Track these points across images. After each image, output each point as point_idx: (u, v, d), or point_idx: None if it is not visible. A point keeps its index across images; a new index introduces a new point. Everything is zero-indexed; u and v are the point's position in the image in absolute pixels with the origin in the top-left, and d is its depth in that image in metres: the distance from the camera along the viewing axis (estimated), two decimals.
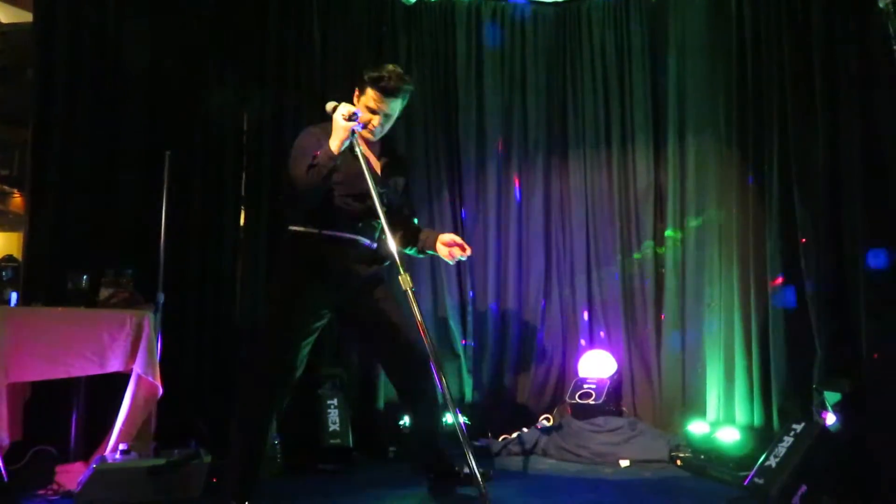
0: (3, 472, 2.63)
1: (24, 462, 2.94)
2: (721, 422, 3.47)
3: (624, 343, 4.05)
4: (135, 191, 3.47)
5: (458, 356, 4.06)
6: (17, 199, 4.04)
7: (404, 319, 2.70)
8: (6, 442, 2.67)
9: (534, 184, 4.24)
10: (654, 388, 3.96)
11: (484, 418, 3.91)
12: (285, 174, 2.64)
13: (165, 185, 3.22)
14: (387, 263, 2.75)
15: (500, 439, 3.77)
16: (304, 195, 2.56)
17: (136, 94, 3.53)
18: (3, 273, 2.98)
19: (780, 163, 3.29)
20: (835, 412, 2.82)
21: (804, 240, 3.14)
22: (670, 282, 3.94)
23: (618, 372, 3.99)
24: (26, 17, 3.67)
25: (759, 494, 2.66)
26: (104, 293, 3.02)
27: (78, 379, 3.00)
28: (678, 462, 3.40)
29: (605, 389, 3.82)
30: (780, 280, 3.28)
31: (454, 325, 4.07)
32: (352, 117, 2.49)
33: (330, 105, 2.56)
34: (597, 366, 3.99)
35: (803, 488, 2.57)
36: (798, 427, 2.75)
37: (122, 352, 2.85)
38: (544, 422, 3.88)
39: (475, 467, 2.02)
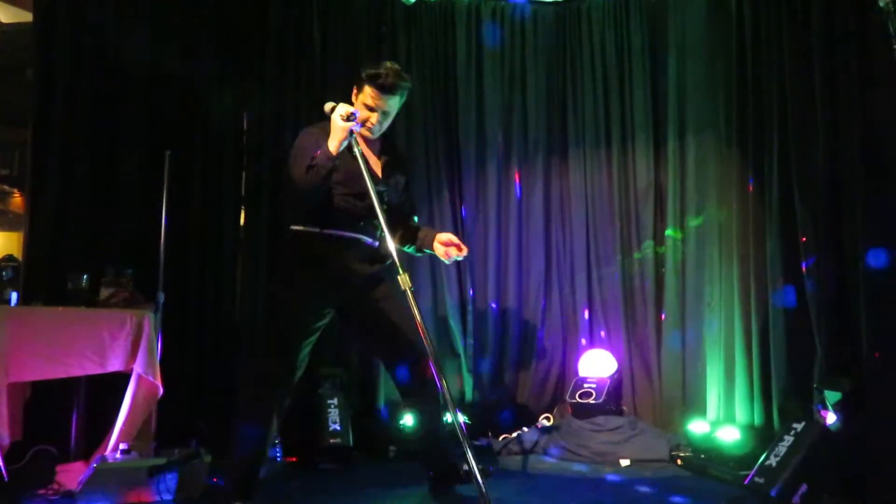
0: (3, 471, 2.63)
1: (25, 461, 2.94)
2: (721, 421, 3.47)
3: (624, 342, 4.05)
4: (135, 191, 3.47)
5: (458, 355, 4.06)
6: (17, 199, 4.05)
7: (405, 318, 2.69)
8: (6, 441, 2.67)
9: (534, 183, 4.24)
10: (654, 387, 3.96)
11: (484, 418, 3.91)
12: (285, 174, 2.64)
13: (165, 185, 3.22)
14: (388, 262, 2.74)
15: (501, 439, 3.77)
16: (304, 195, 2.56)
17: (136, 94, 3.53)
18: (3, 273, 2.98)
19: (780, 163, 3.30)
20: (835, 411, 2.82)
21: (804, 239, 3.14)
22: (670, 281, 3.94)
23: (618, 371, 3.99)
24: (26, 17, 3.68)
25: (760, 493, 2.66)
26: (104, 293, 3.02)
27: (78, 379, 3.00)
28: (678, 461, 3.40)
29: (606, 389, 3.82)
30: (780, 280, 3.28)
31: (454, 324, 4.07)
32: (350, 117, 2.49)
33: (328, 105, 2.56)
34: (597, 365, 3.99)
35: (804, 487, 2.57)
36: (798, 426, 2.74)
37: (123, 351, 2.85)
38: (544, 421, 3.88)
39: (475, 467, 2.02)
